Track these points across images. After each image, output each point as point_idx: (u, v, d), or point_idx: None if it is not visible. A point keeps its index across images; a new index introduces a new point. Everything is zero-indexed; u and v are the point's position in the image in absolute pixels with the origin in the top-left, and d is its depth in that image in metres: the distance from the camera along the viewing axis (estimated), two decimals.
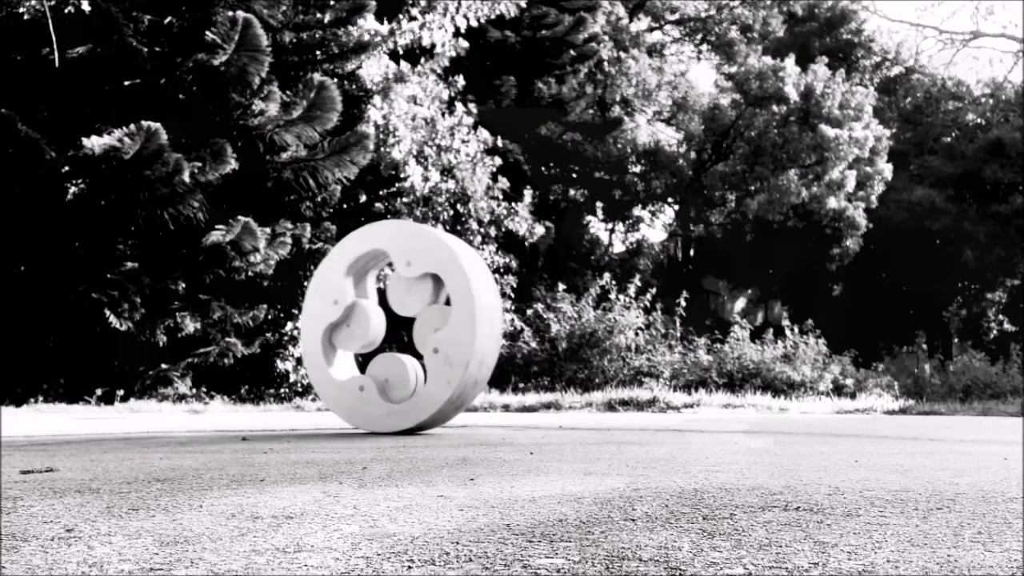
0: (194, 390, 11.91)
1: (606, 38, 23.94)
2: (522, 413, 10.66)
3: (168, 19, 11.48)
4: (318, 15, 12.91)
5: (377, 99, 13.58)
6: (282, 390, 12.91)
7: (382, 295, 6.12)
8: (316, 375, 5.78)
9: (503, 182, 16.39)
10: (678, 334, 17.00)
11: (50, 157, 10.46)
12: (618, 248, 27.98)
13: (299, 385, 13.00)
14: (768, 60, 24.10)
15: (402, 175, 14.35)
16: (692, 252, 28.98)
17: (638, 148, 25.77)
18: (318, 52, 13.06)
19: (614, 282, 16.11)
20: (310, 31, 12.85)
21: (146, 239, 11.39)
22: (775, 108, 23.27)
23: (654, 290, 16.39)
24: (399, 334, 9.70)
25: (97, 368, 11.48)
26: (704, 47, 30.84)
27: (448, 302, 5.57)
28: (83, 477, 3.07)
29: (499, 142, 16.36)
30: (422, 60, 14.46)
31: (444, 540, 1.86)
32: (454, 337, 5.36)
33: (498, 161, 16.16)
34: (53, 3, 10.24)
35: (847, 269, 25.54)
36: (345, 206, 13.99)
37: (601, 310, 15.36)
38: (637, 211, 27.42)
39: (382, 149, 13.83)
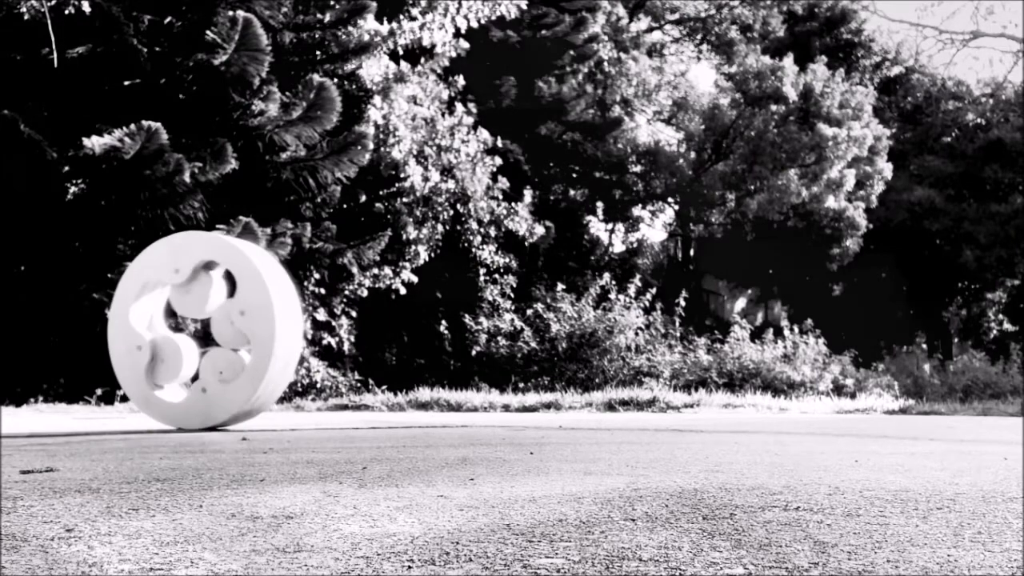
0: None
1: (606, 38, 23.92)
2: (522, 413, 10.65)
3: (168, 19, 11.48)
4: (318, 15, 12.90)
5: (377, 99, 13.57)
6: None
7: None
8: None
9: (503, 182, 16.39)
10: (678, 334, 17.00)
11: (51, 157, 10.46)
12: (618, 248, 27.97)
13: (299, 385, 12.98)
14: (767, 60, 24.08)
15: (402, 175, 14.35)
16: (692, 252, 28.98)
17: (638, 148, 25.76)
18: (318, 52, 13.05)
19: (614, 282, 16.10)
20: (310, 31, 12.83)
21: (146, 239, 11.36)
22: (774, 107, 23.26)
23: (654, 290, 16.38)
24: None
25: (97, 368, 11.46)
26: (704, 47, 30.83)
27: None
28: (83, 477, 3.07)
29: (499, 142, 16.35)
30: (422, 60, 14.46)
31: (444, 540, 1.86)
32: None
33: (498, 161, 16.16)
34: (53, 3, 10.22)
35: (847, 269, 25.53)
36: (345, 206, 13.98)
37: (601, 310, 15.36)
38: (637, 211, 27.40)
39: (382, 149, 13.81)
